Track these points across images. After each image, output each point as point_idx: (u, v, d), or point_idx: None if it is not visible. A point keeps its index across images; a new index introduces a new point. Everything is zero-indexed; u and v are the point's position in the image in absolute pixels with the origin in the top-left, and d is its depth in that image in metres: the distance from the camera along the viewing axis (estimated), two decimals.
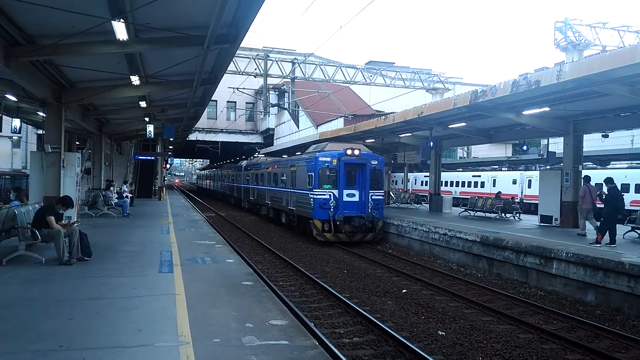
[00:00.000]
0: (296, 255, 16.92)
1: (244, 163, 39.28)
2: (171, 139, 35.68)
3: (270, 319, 6.57)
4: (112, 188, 23.43)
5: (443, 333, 9.08)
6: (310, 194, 19.88)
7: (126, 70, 14.27)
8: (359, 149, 20.15)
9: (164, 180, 46.76)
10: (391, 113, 24.34)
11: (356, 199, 19.92)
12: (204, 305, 7.14)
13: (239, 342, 5.66)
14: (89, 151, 28.23)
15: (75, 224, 11.06)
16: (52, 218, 10.17)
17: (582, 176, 16.63)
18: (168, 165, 57.05)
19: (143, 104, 19.20)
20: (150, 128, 22.47)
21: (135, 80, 14.69)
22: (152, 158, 34.85)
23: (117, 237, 14.37)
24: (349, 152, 19.80)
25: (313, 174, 19.79)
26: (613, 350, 8.26)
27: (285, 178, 24.31)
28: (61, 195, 12.69)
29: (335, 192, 19.63)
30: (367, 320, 9.47)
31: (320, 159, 19.85)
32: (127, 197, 22.92)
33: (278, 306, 7.41)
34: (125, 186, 25.08)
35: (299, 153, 29.78)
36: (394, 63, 47.05)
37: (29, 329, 5.95)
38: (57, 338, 5.61)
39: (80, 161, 18.41)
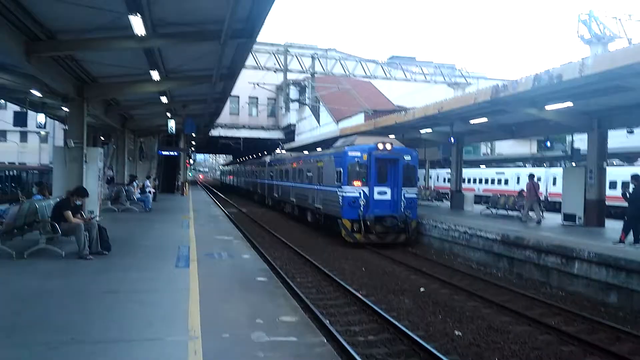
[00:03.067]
0: (315, 253, 16.86)
1: (267, 159, 38.43)
2: (194, 135, 36.10)
3: (281, 316, 6.54)
4: (135, 183, 23.74)
5: (460, 333, 8.95)
6: (339, 191, 18.58)
7: (146, 65, 14.43)
8: (391, 143, 18.77)
9: (188, 175, 47.28)
10: (412, 108, 24.09)
11: (388, 197, 18.47)
12: (216, 301, 7.17)
13: (248, 338, 5.65)
14: (114, 146, 28.65)
15: (94, 219, 11.20)
16: (69, 212, 10.32)
17: (528, 174, 22.25)
18: (192, 161, 57.58)
19: (164, 99, 19.40)
20: (171, 123, 22.71)
21: (155, 75, 14.85)
22: (175, 153, 35.21)
23: (137, 232, 14.56)
24: (380, 146, 18.35)
25: (342, 169, 18.46)
26: (634, 354, 8.02)
27: (311, 174, 23.12)
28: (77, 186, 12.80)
29: (366, 189, 18.20)
30: (383, 319, 9.39)
31: (350, 153, 18.35)
32: (150, 192, 23.18)
33: (290, 302, 7.39)
34: (148, 181, 25.39)
35: (320, 149, 29.60)
36: (415, 58, 46.65)
37: (43, 321, 6.05)
38: (70, 331, 5.69)
39: (102, 156, 18.69)
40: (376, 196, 18.30)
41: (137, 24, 9.76)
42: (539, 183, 20.88)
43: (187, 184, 38.21)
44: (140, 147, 32.62)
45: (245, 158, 62.42)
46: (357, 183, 18.17)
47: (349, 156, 18.34)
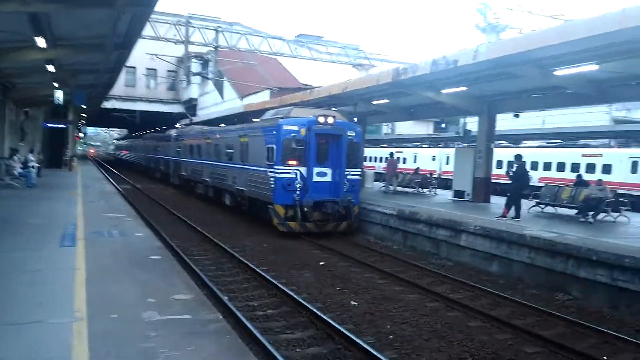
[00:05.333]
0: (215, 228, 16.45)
1: (173, 132, 35.36)
2: (84, 107, 33.67)
3: (174, 294, 6.33)
4: (15, 157, 21.74)
5: (356, 303, 9.24)
6: (270, 171, 15.89)
7: (31, 31, 13.08)
8: (334, 116, 16.05)
9: (77, 150, 44.09)
10: (317, 87, 24.20)
11: (328, 178, 16.05)
12: (104, 281, 6.79)
13: (139, 318, 5.41)
14: None
15: None
16: None
17: (389, 153, 26.01)
18: (81, 135, 53.82)
19: (51, 68, 17.78)
20: (58, 94, 20.97)
21: (41, 42, 13.52)
22: (63, 126, 32.66)
23: (18, 210, 13.40)
24: (321, 119, 15.61)
25: (275, 146, 15.71)
26: (512, 317, 8.76)
27: (231, 151, 20.33)
28: None
29: (303, 170, 15.58)
30: (283, 293, 9.43)
31: (285, 127, 15.60)
32: (33, 167, 21.35)
33: (185, 281, 7.18)
34: (31, 155, 23.35)
35: (223, 125, 28.60)
36: (322, 37, 46.80)
37: None
38: None
39: None
40: (315, 178, 15.81)
41: None
42: (396, 160, 24.87)
43: (75, 158, 35.71)
44: (21, 127, 29.68)
45: (145, 132, 59.38)
46: (292, 162, 15.64)
47: (283, 130, 15.59)
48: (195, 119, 40.68)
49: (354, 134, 16.48)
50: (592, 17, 9.90)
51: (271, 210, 15.83)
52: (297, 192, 15.48)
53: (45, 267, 7.44)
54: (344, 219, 15.99)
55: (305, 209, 15.41)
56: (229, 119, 31.29)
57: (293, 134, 15.58)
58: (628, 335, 7.90)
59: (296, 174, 15.59)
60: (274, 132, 15.86)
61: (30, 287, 6.36)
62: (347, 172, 16.15)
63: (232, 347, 4.86)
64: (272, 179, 15.78)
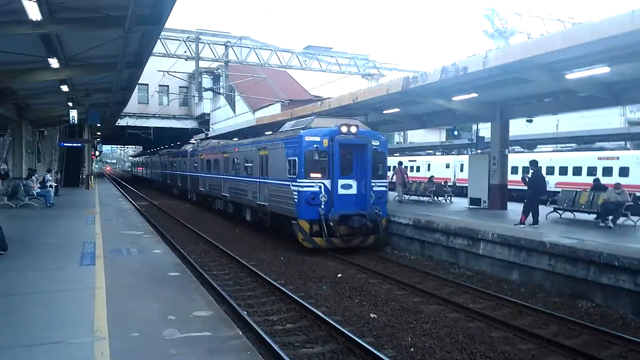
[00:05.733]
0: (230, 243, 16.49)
1: (189, 147, 34.60)
2: (99, 125, 34.17)
3: (194, 311, 6.34)
4: (33, 177, 22.06)
5: (375, 315, 9.17)
6: (293, 185, 15.19)
7: (44, 52, 13.34)
8: (357, 125, 15.44)
9: (94, 168, 44.57)
10: (328, 98, 24.29)
11: (353, 191, 15.40)
12: (124, 299, 6.82)
13: (159, 336, 5.42)
14: (10, 138, 26.39)
15: None
16: None
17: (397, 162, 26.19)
18: (97, 153, 54.49)
19: (65, 88, 18.09)
20: (73, 113, 21.27)
21: (54, 63, 13.77)
22: (79, 145, 33.11)
23: (37, 229, 13.57)
24: (344, 129, 14.99)
25: (297, 159, 15.06)
26: (535, 327, 8.63)
27: (251, 165, 19.53)
28: None
29: (327, 182, 14.94)
30: (301, 306, 9.40)
31: (307, 138, 14.94)
32: (51, 186, 21.63)
33: (204, 297, 7.19)
34: (49, 175, 23.67)
35: (236, 139, 28.66)
36: (331, 48, 47.04)
37: None
38: None
39: None
40: (340, 191, 15.15)
41: (32, 9, 9.02)
42: (404, 169, 25.11)
43: (92, 176, 36.13)
44: (37, 147, 30.03)
45: (159, 148, 59.80)
46: (316, 175, 14.99)
47: (305, 142, 14.93)
48: (210, 134, 40.46)
49: (378, 143, 15.76)
50: (600, 20, 9.84)
51: (295, 226, 15.08)
52: (322, 206, 14.76)
53: (65, 287, 7.50)
54: (371, 232, 15.20)
55: (331, 224, 14.65)
56: (242, 133, 31.11)
57: (315, 145, 14.93)
58: None
59: (320, 187, 14.89)
60: (296, 144, 15.24)
61: (50, 307, 6.41)
62: (372, 184, 15.46)
63: None
64: (295, 192, 15.09)
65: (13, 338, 5.31)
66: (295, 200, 15.03)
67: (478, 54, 12.84)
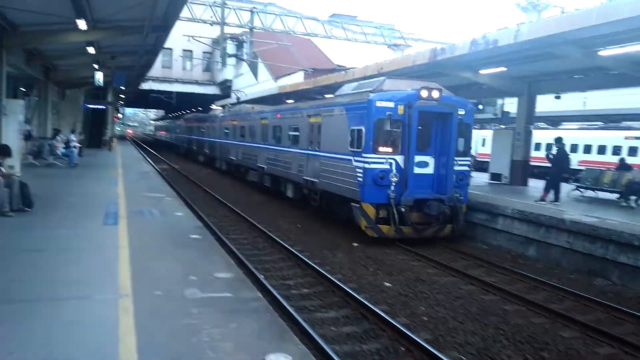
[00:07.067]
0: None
1: (218, 111, 33.19)
2: (123, 88, 34.40)
3: (215, 272, 6.50)
4: (58, 137, 22.45)
5: (389, 284, 9.29)
6: (356, 160, 12.72)
7: (72, 13, 13.37)
8: (440, 90, 12.58)
9: (116, 130, 45.05)
10: (352, 68, 24.02)
11: (430, 170, 12.91)
12: (147, 259, 7.01)
13: (181, 295, 5.59)
14: (36, 98, 26.78)
15: (14, 175, 10.54)
16: None
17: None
18: (120, 115, 55.03)
19: (91, 50, 18.18)
20: (98, 75, 21.46)
21: (82, 24, 13.83)
22: (103, 107, 33.48)
23: (61, 188, 13.90)
24: (424, 93, 12.20)
25: (363, 128, 12.50)
26: (549, 302, 8.67)
27: (297, 134, 17.06)
28: (1, 144, 12.04)
29: (399, 159, 12.40)
30: (317, 273, 9.57)
31: (378, 104, 12.26)
32: (74, 147, 22.02)
33: (225, 259, 7.36)
34: (73, 135, 24.06)
35: (256, 107, 28.03)
36: (356, 17, 46.25)
37: None
38: None
39: (23, 109, 17.46)
40: (416, 169, 12.62)
41: None
42: None
43: (115, 139, 36.62)
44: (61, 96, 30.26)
45: (183, 113, 59.92)
46: (386, 149, 12.44)
47: (376, 108, 12.27)
48: (238, 99, 39.57)
49: (464, 112, 13.00)
50: None
51: (357, 210, 12.69)
52: (392, 188, 12.28)
53: (90, 245, 7.73)
54: (449, 221, 12.71)
55: (402, 209, 12.20)
56: (277, 98, 29.43)
57: (388, 113, 12.18)
58: None
59: (390, 164, 12.39)
60: (362, 110, 12.64)
61: (75, 264, 6.63)
62: (455, 162, 12.94)
63: (273, 325, 4.99)
64: (359, 170, 12.58)
65: (39, 292, 5.52)
66: (359, 179, 12.55)
67: (510, 27, 12.56)
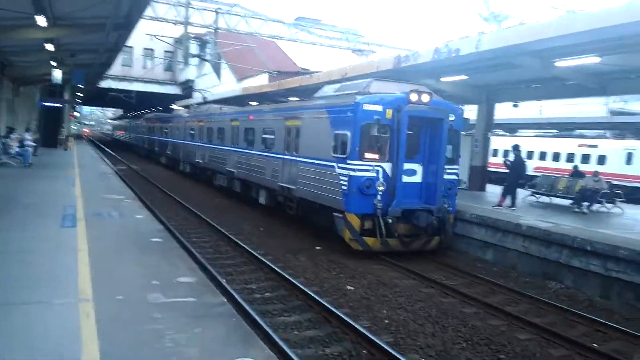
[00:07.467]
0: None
1: (183, 112, 31.34)
2: (80, 86, 33.47)
3: (178, 277, 6.44)
4: (12, 135, 21.66)
5: (352, 288, 9.39)
6: (341, 167, 11.88)
7: (31, 9, 12.94)
8: (430, 93, 12.05)
9: (72, 129, 43.67)
10: (317, 72, 24.10)
11: (418, 179, 12.31)
12: (108, 262, 6.88)
13: (144, 300, 5.52)
14: None
15: None
16: None
17: None
18: (77, 114, 53.41)
19: (50, 47, 17.64)
20: (57, 73, 20.80)
21: (41, 21, 13.41)
22: (59, 105, 32.46)
23: (16, 189, 13.43)
24: (413, 97, 11.62)
25: (348, 133, 11.70)
26: (506, 304, 8.95)
27: (272, 137, 16.09)
28: None
29: (387, 166, 11.71)
30: (280, 276, 9.57)
31: (365, 107, 11.54)
32: (29, 146, 21.29)
33: (187, 264, 7.28)
34: (27, 134, 23.26)
35: (212, 107, 26.75)
36: (320, 20, 46.48)
37: None
38: None
39: None
40: (404, 178, 11.93)
41: None
42: None
43: (71, 138, 35.57)
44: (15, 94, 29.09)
45: (144, 112, 58.41)
46: (372, 156, 11.74)
47: (363, 111, 11.55)
48: (196, 100, 38.26)
49: (453, 118, 12.38)
50: (595, 10, 9.95)
51: (340, 221, 11.89)
52: (379, 197, 11.57)
53: (47, 248, 7.51)
54: (437, 232, 12.09)
55: (389, 220, 11.47)
56: (250, 98, 27.63)
57: (376, 117, 11.55)
58: (618, 323, 8.12)
59: (377, 171, 11.67)
60: (349, 114, 11.79)
61: (32, 267, 6.43)
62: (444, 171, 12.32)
63: (239, 330, 4.98)
64: (343, 177, 11.77)
65: None
66: (344, 187, 11.71)
67: (471, 37, 12.88)
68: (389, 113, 11.59)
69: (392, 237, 11.57)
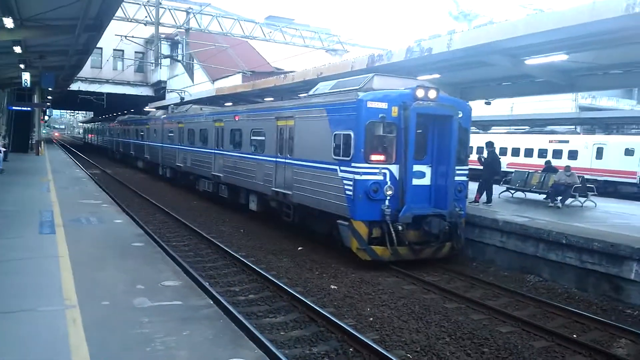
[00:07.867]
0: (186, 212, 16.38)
1: (160, 113, 29.81)
2: (50, 89, 32.79)
3: (162, 281, 6.41)
4: None
5: (335, 287, 9.46)
6: (344, 170, 10.99)
7: None
8: (436, 89, 11.28)
9: (42, 133, 42.72)
10: (291, 72, 24.08)
11: (427, 181, 11.45)
12: (90, 268, 6.81)
13: (130, 304, 5.48)
14: None
15: None
16: None
17: None
18: (46, 117, 52.28)
19: (18, 49, 17.22)
20: (25, 76, 20.34)
21: (8, 22, 13.09)
22: (29, 109, 31.73)
23: None
24: (419, 93, 10.83)
25: (351, 133, 10.82)
26: (486, 299, 9.15)
27: (262, 138, 15.08)
28: None
29: (394, 168, 10.82)
30: (263, 278, 9.58)
31: (370, 104, 10.61)
32: None
33: (171, 267, 7.24)
34: None
35: (188, 107, 26.26)
36: (293, 20, 46.47)
37: None
38: None
39: None
40: (414, 181, 11.02)
41: None
42: None
43: (42, 142, 34.80)
44: None
45: (116, 115, 57.24)
46: (378, 157, 10.81)
47: (367, 109, 10.61)
48: (170, 101, 37.11)
49: (461, 115, 11.50)
50: (563, 9, 10.22)
51: (345, 229, 10.94)
52: (387, 203, 10.66)
53: (27, 255, 7.38)
54: (448, 239, 11.27)
55: (400, 227, 10.61)
56: (234, 98, 26.32)
57: (381, 115, 10.62)
58: (595, 314, 8.39)
59: (384, 174, 10.75)
60: (351, 112, 10.89)
61: (14, 276, 6.34)
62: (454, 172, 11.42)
63: (227, 331, 4.99)
64: (347, 182, 10.88)
65: None
66: (348, 192, 10.83)
67: (443, 36, 13.07)
68: (395, 111, 10.74)
69: (402, 245, 10.75)
